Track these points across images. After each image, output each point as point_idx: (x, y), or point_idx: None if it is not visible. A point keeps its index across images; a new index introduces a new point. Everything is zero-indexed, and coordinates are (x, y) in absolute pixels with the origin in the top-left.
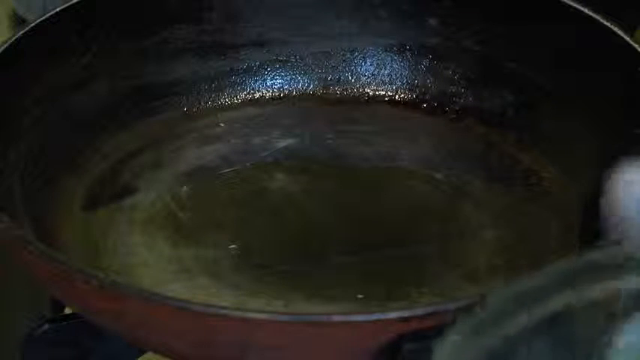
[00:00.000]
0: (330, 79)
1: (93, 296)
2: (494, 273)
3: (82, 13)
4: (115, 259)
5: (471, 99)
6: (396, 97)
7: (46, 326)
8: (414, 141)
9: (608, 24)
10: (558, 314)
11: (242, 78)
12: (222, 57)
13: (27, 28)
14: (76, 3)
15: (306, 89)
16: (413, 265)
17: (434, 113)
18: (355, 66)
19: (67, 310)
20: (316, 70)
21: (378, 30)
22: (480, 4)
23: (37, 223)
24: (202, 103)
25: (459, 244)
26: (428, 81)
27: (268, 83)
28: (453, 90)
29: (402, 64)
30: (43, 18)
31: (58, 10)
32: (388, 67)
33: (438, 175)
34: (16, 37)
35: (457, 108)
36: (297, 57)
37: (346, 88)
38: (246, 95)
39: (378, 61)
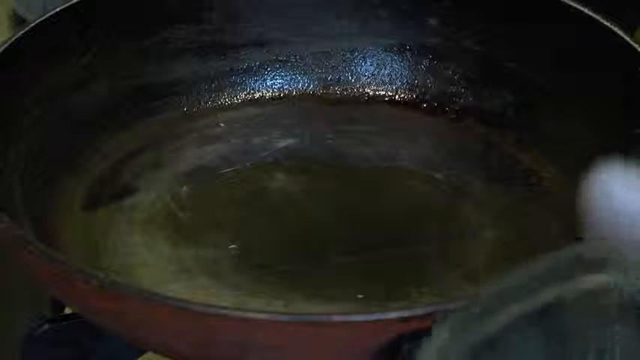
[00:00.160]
0: (330, 79)
1: (93, 296)
2: (494, 273)
3: (82, 13)
4: (115, 259)
5: (471, 99)
6: (396, 97)
7: (46, 326)
8: (414, 141)
9: (608, 24)
10: (549, 306)
11: (242, 78)
12: (222, 57)
13: (27, 28)
14: (76, 3)
15: (306, 89)
16: (413, 265)
17: (434, 113)
18: (355, 66)
19: (67, 310)
20: (316, 70)
21: (378, 30)
22: (480, 4)
23: (37, 223)
24: (202, 103)
25: (459, 244)
26: (428, 81)
27: (268, 83)
28: (453, 90)
29: (402, 64)
30: (43, 18)
31: (58, 10)
32: (388, 67)
33: (438, 175)
34: (16, 37)
35: (457, 108)
36: (297, 57)
37: (346, 88)
38: (246, 95)
39: (378, 61)
